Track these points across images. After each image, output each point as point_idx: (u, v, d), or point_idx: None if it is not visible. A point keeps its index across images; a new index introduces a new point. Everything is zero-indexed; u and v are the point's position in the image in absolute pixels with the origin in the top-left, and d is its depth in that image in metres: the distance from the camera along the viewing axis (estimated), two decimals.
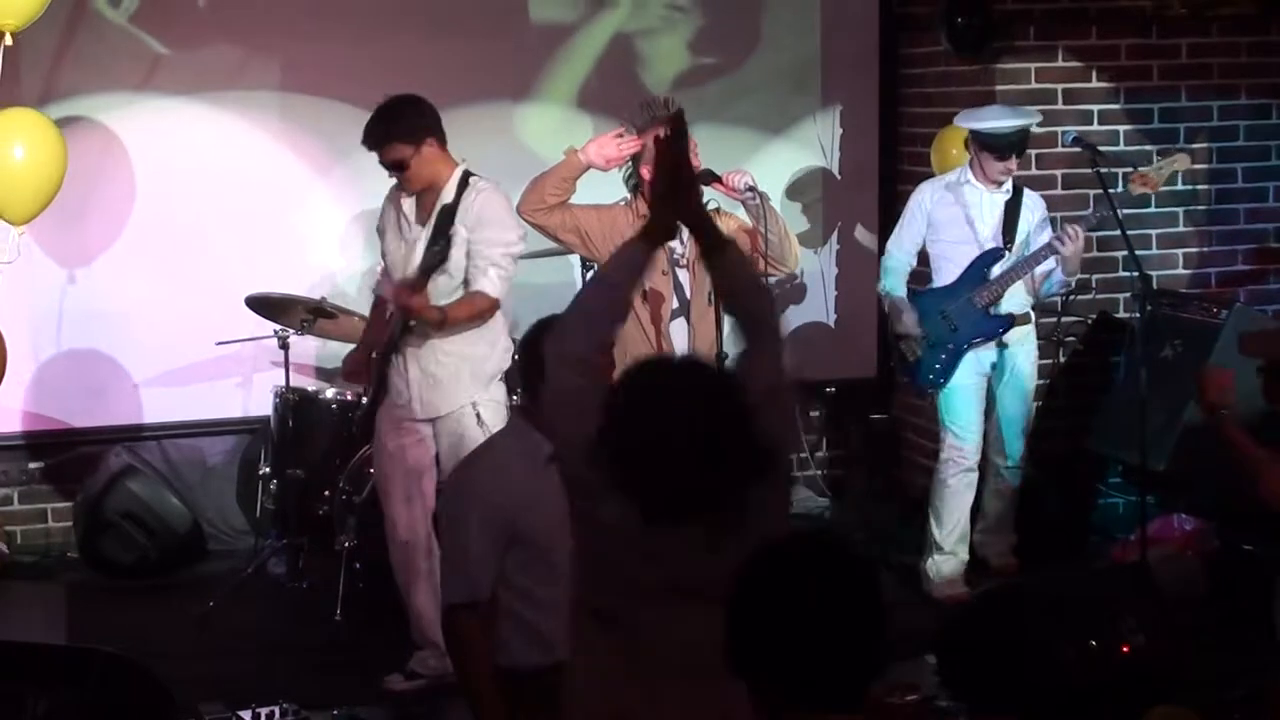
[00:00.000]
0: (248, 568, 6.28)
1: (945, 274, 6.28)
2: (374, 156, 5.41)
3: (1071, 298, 6.89)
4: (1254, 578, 5.56)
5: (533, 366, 3.62)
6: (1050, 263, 6.13)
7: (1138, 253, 5.93)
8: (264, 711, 4.81)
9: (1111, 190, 6.03)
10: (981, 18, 6.96)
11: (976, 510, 6.43)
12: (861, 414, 7.65)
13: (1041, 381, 6.89)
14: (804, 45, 7.55)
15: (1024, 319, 6.27)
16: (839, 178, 7.66)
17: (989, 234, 6.21)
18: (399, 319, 5.35)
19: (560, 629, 3.25)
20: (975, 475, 6.30)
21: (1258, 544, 5.89)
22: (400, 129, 5.24)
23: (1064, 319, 7.00)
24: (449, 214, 5.30)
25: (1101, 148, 6.30)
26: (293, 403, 6.35)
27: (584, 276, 6.52)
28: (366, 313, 6.04)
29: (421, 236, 5.35)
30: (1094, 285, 7.04)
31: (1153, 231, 7.21)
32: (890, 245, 6.45)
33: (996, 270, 6.17)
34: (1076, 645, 4.66)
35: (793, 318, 7.63)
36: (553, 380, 3.10)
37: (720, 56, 7.44)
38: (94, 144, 6.71)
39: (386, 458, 5.49)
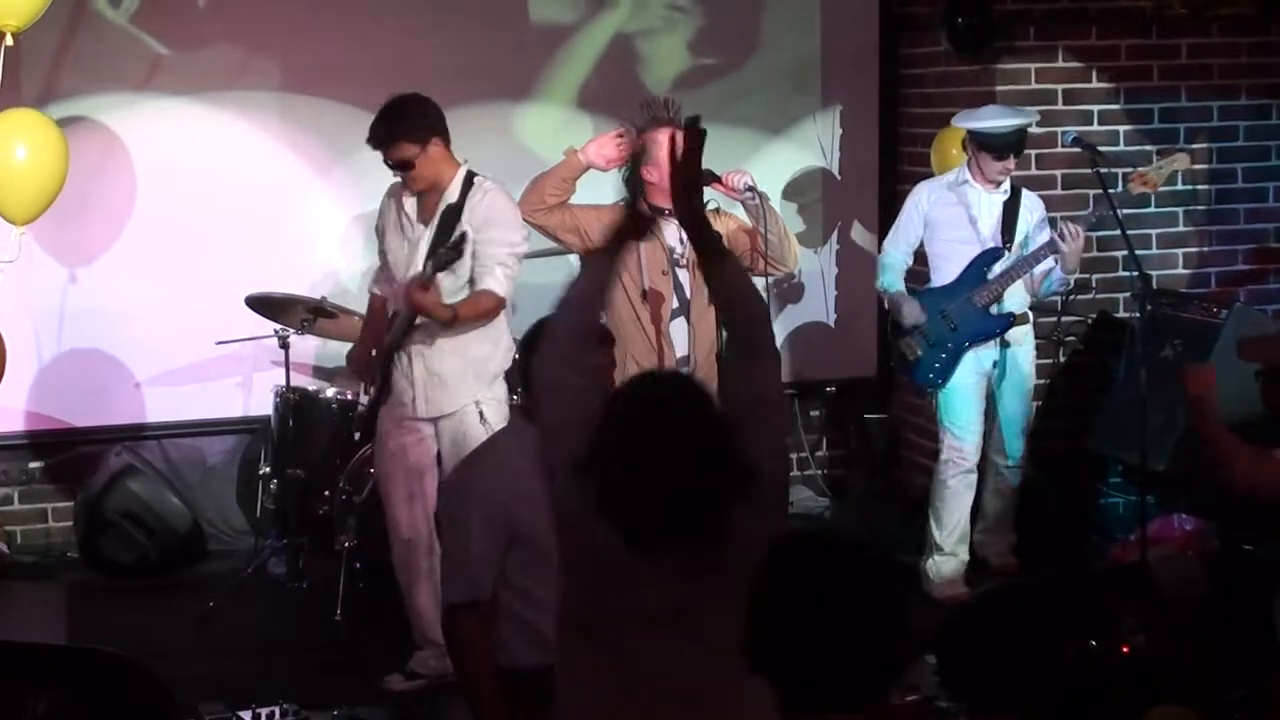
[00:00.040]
0: (248, 568, 6.28)
1: (944, 274, 6.28)
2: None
3: (1071, 298, 6.89)
4: (1254, 578, 5.56)
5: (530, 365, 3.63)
6: (1049, 262, 6.13)
7: (1138, 253, 5.94)
8: (264, 711, 4.81)
9: (1111, 190, 6.03)
10: (982, 18, 6.96)
11: (976, 510, 6.43)
12: (861, 414, 7.65)
13: (1041, 381, 6.90)
14: (804, 45, 7.55)
15: (1022, 319, 6.27)
16: (839, 178, 7.66)
17: (988, 234, 6.21)
18: (405, 317, 5.34)
19: None
20: (975, 476, 6.30)
21: (1258, 544, 5.89)
22: (407, 128, 5.23)
23: (1064, 319, 7.00)
24: (454, 213, 5.30)
25: (1101, 148, 6.30)
26: (293, 402, 6.35)
27: None
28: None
29: (425, 236, 5.35)
30: (1094, 285, 7.04)
31: (1153, 231, 7.21)
32: (887, 244, 6.45)
33: (996, 270, 6.18)
34: (1076, 645, 4.66)
35: (793, 318, 7.64)
36: (548, 380, 3.10)
37: (720, 57, 7.44)
38: (94, 144, 6.71)
39: (388, 457, 5.49)
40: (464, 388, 5.33)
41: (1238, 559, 6.02)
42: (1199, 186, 7.25)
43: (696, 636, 2.89)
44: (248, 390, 7.08)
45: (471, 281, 5.27)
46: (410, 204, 5.40)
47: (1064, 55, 7.07)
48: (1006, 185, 6.24)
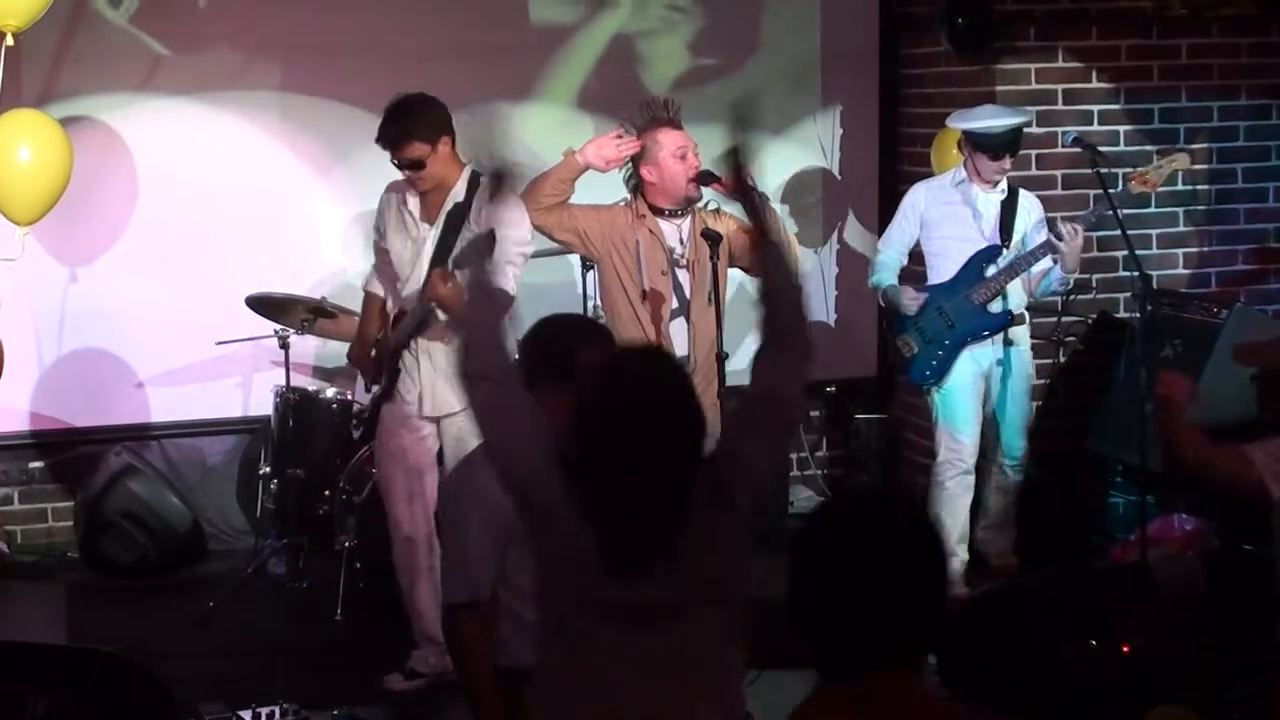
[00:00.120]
0: (248, 568, 6.28)
1: (941, 272, 6.29)
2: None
3: (1071, 298, 6.89)
4: (1254, 578, 5.56)
5: (532, 365, 3.63)
6: (1046, 262, 6.13)
7: (1138, 253, 5.93)
8: (264, 711, 4.81)
9: (1111, 190, 6.03)
10: (982, 18, 6.96)
11: (978, 508, 6.43)
12: (861, 414, 7.65)
13: (1041, 381, 6.90)
14: (804, 45, 7.55)
15: (1019, 318, 6.27)
16: (839, 178, 7.66)
17: (986, 233, 6.21)
18: (416, 315, 5.34)
19: None
20: (972, 477, 6.30)
21: (1258, 544, 5.89)
22: (418, 127, 5.23)
23: (1064, 319, 7.00)
24: (460, 213, 5.31)
25: (1101, 148, 6.30)
26: (293, 402, 6.35)
27: (584, 276, 6.53)
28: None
29: (430, 235, 5.35)
30: (1094, 285, 7.04)
31: (1153, 231, 7.21)
32: (881, 244, 6.46)
33: (993, 268, 6.17)
34: (1076, 645, 4.66)
35: None
36: (489, 400, 3.10)
37: (720, 57, 7.44)
38: (95, 144, 6.71)
39: (388, 456, 5.49)
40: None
41: (1238, 559, 6.02)
42: (1199, 186, 7.25)
43: (673, 626, 2.89)
44: (248, 390, 7.08)
45: None
46: (414, 203, 5.39)
47: (1064, 55, 7.07)
48: (1004, 185, 6.24)
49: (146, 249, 6.90)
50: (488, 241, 5.07)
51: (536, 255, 6.01)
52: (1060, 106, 7.04)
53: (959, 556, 6.29)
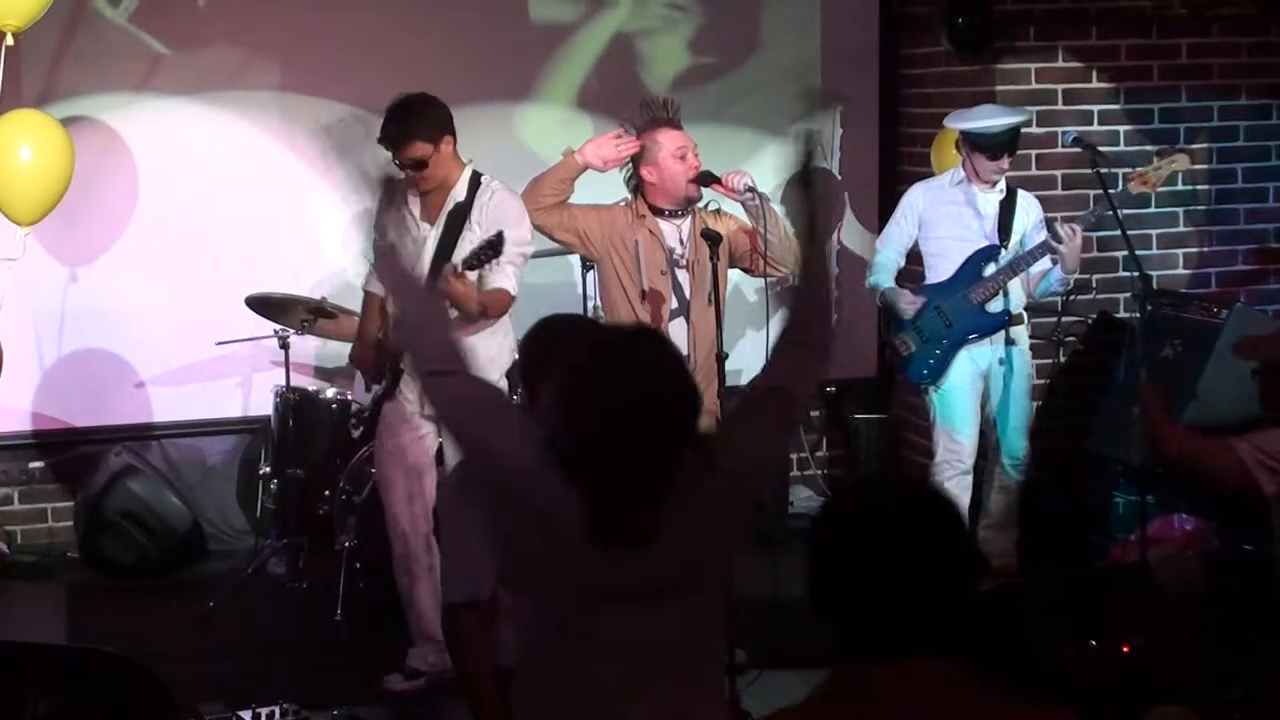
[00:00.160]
0: (248, 568, 6.28)
1: (939, 271, 6.28)
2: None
3: (1071, 298, 6.89)
4: (1254, 578, 5.56)
5: (532, 365, 3.63)
6: (1045, 262, 6.13)
7: (1138, 253, 5.93)
8: (264, 711, 4.81)
9: (1111, 190, 6.03)
10: (982, 18, 6.96)
11: (978, 508, 6.42)
12: (861, 414, 7.65)
13: (1041, 381, 6.90)
14: (804, 45, 7.55)
15: (1018, 318, 6.27)
16: (839, 178, 7.66)
17: (984, 232, 6.21)
18: None
19: None
20: (971, 478, 6.30)
21: (1258, 544, 5.89)
22: (421, 127, 5.24)
23: (1064, 319, 7.00)
24: (461, 213, 5.31)
25: (1101, 148, 6.30)
26: (293, 403, 6.35)
27: (584, 276, 6.53)
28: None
29: (431, 235, 5.36)
30: (1094, 285, 7.04)
31: (1153, 231, 7.21)
32: (879, 244, 6.46)
33: (992, 268, 6.17)
34: (1076, 645, 4.66)
35: None
36: (448, 395, 3.11)
37: (720, 56, 7.44)
38: (95, 144, 6.71)
39: (387, 456, 5.50)
40: None
41: (1238, 559, 6.02)
42: (1199, 186, 7.25)
43: (661, 609, 2.88)
44: (248, 390, 7.08)
45: (480, 279, 5.28)
46: (414, 202, 5.40)
47: (1064, 55, 7.07)
48: (1002, 185, 6.24)
49: (146, 249, 6.90)
50: (494, 247, 5.10)
51: (536, 255, 6.01)
52: (1060, 106, 7.04)
53: None
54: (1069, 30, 7.05)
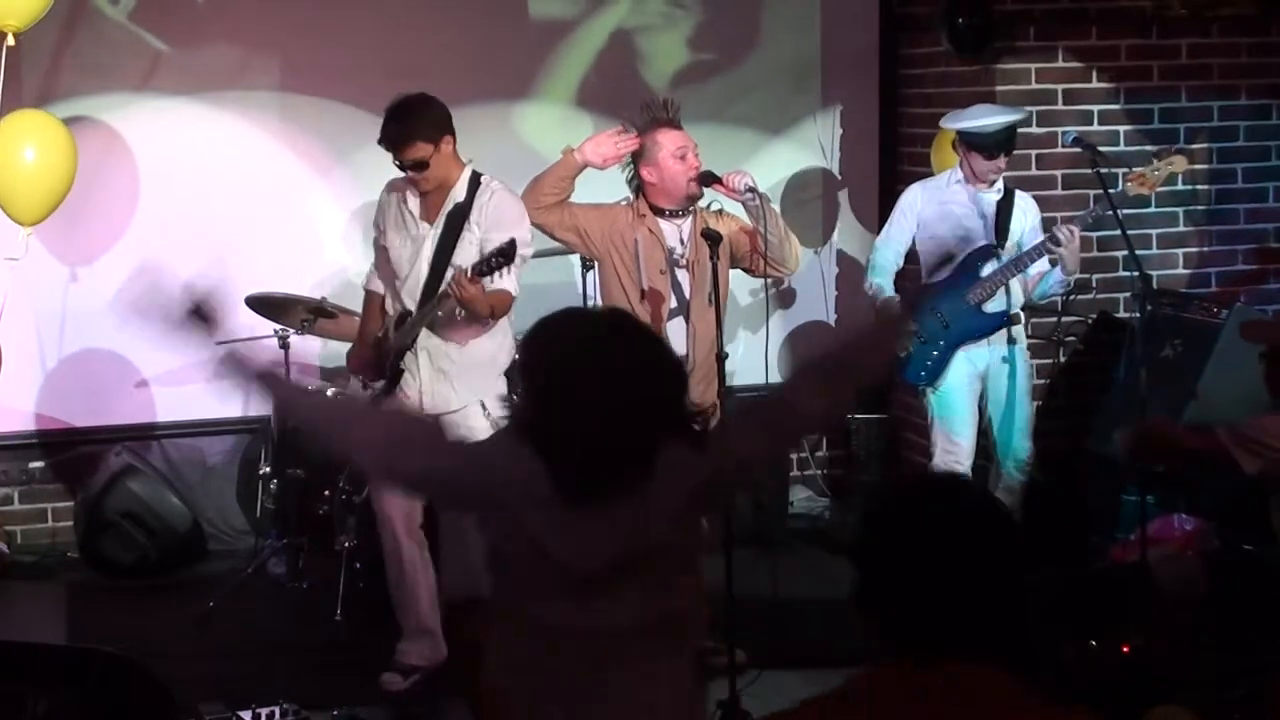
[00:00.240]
0: (248, 568, 6.28)
1: (937, 272, 6.27)
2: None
3: (1071, 298, 6.89)
4: (1254, 578, 5.56)
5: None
6: (1044, 263, 6.12)
7: (1138, 253, 5.93)
8: (264, 711, 4.81)
9: (1111, 190, 6.03)
10: (982, 18, 6.96)
11: None
12: (861, 414, 7.64)
13: (1041, 381, 6.90)
14: (804, 42, 7.55)
15: (1015, 319, 6.26)
16: (839, 178, 7.67)
17: (981, 233, 6.19)
18: (425, 317, 5.35)
19: None
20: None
21: (1258, 544, 5.89)
22: (421, 127, 5.23)
23: (1064, 319, 7.00)
24: (461, 214, 5.32)
25: (1101, 148, 6.29)
26: None
27: (584, 276, 6.53)
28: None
29: (430, 235, 5.36)
30: (1094, 285, 7.04)
31: (1153, 231, 7.21)
32: (878, 243, 6.44)
33: (988, 268, 6.16)
34: (1076, 645, 4.66)
35: (792, 318, 7.64)
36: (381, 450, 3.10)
37: (720, 53, 7.45)
38: (96, 144, 6.71)
39: None
40: (469, 385, 5.35)
41: (1238, 559, 6.02)
42: (1199, 186, 7.25)
43: (620, 600, 2.88)
44: (248, 390, 7.06)
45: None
46: (414, 202, 5.40)
47: (1064, 55, 7.07)
48: (1000, 185, 6.23)
49: (147, 249, 6.89)
50: (505, 254, 5.11)
51: (536, 255, 6.01)
52: (1060, 106, 7.04)
53: None
54: (1069, 30, 7.05)
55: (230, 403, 7.07)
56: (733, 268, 5.54)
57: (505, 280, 5.25)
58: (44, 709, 3.75)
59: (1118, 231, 5.97)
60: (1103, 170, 6.00)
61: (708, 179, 5.44)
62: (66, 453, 7.01)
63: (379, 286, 5.65)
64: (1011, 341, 6.22)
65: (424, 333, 5.40)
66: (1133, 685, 4.65)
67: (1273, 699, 4.45)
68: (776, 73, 7.51)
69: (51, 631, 6.02)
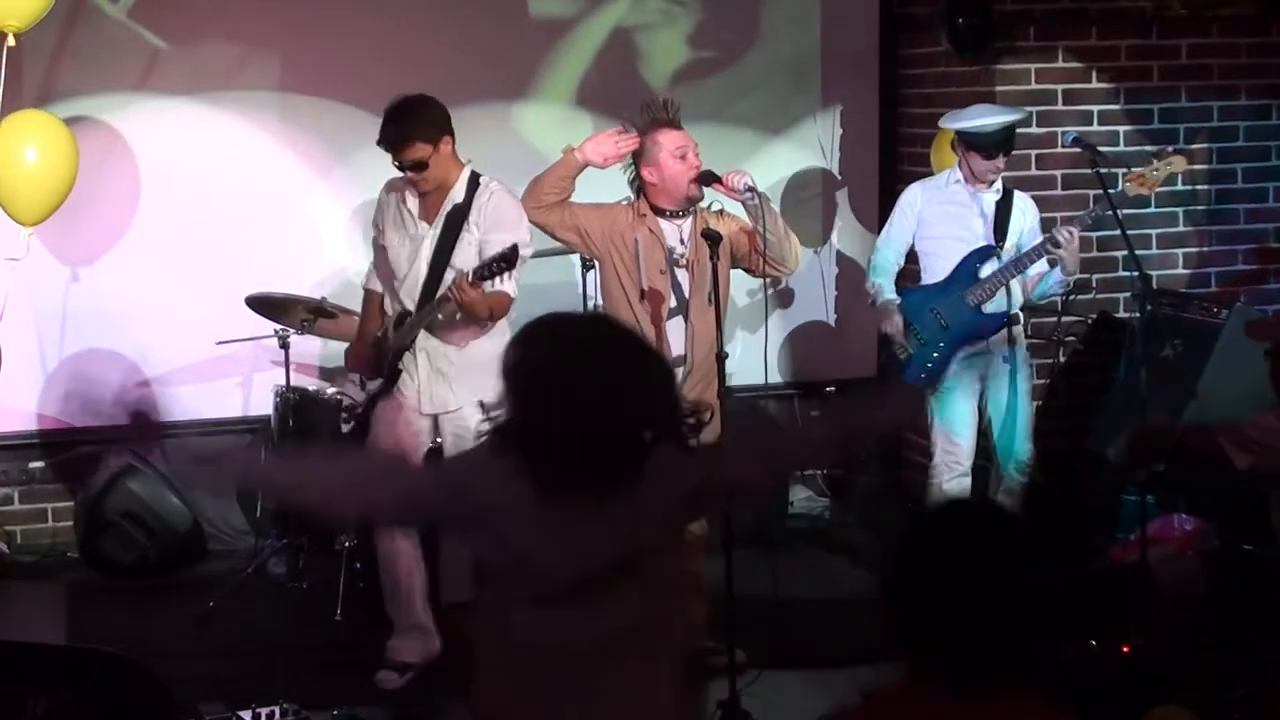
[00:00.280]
0: (248, 568, 6.28)
1: (936, 272, 6.26)
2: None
3: (1071, 298, 6.89)
4: (1254, 578, 5.56)
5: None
6: (1043, 264, 6.12)
7: (1138, 253, 5.93)
8: (264, 711, 4.81)
9: (1111, 190, 6.03)
10: (982, 18, 6.96)
11: None
12: None
13: (1041, 381, 6.90)
14: (803, 40, 7.55)
15: (1015, 319, 6.26)
16: (839, 178, 7.67)
17: (980, 233, 6.19)
18: (424, 318, 5.35)
19: None
20: (969, 480, 6.28)
21: (1258, 544, 5.89)
22: (420, 128, 5.24)
23: (1064, 319, 7.00)
24: (460, 214, 5.32)
25: (1101, 148, 6.29)
26: (293, 402, 6.35)
27: (584, 276, 6.53)
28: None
29: (429, 235, 5.36)
30: (1094, 285, 7.04)
31: (1153, 231, 7.22)
32: (879, 243, 6.43)
33: (987, 269, 6.16)
34: (1076, 645, 4.66)
35: (792, 317, 7.64)
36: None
37: (719, 51, 7.45)
38: (96, 144, 6.70)
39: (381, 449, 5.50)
40: (467, 385, 5.34)
41: (1238, 559, 6.02)
42: (1199, 186, 7.26)
43: (594, 610, 2.88)
44: (248, 390, 7.08)
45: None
46: (413, 201, 5.40)
47: (1064, 55, 7.07)
48: (999, 185, 6.23)
49: (147, 249, 6.90)
50: (508, 260, 5.11)
51: (537, 255, 6.01)
52: (1060, 106, 7.04)
53: None
54: (1069, 30, 7.05)
55: (230, 403, 7.08)
56: (734, 268, 5.54)
57: (505, 283, 5.25)
58: (44, 709, 3.75)
59: (1118, 231, 5.97)
60: (1102, 170, 6.00)
61: (707, 178, 5.44)
62: (66, 453, 7.01)
63: (378, 285, 5.65)
64: (1011, 342, 6.21)
65: (422, 333, 5.41)
66: (1133, 685, 4.65)
67: (1273, 699, 4.45)
68: (776, 71, 7.51)
69: (51, 631, 6.02)
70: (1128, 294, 6.84)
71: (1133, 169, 6.24)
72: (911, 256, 6.44)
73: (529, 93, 7.24)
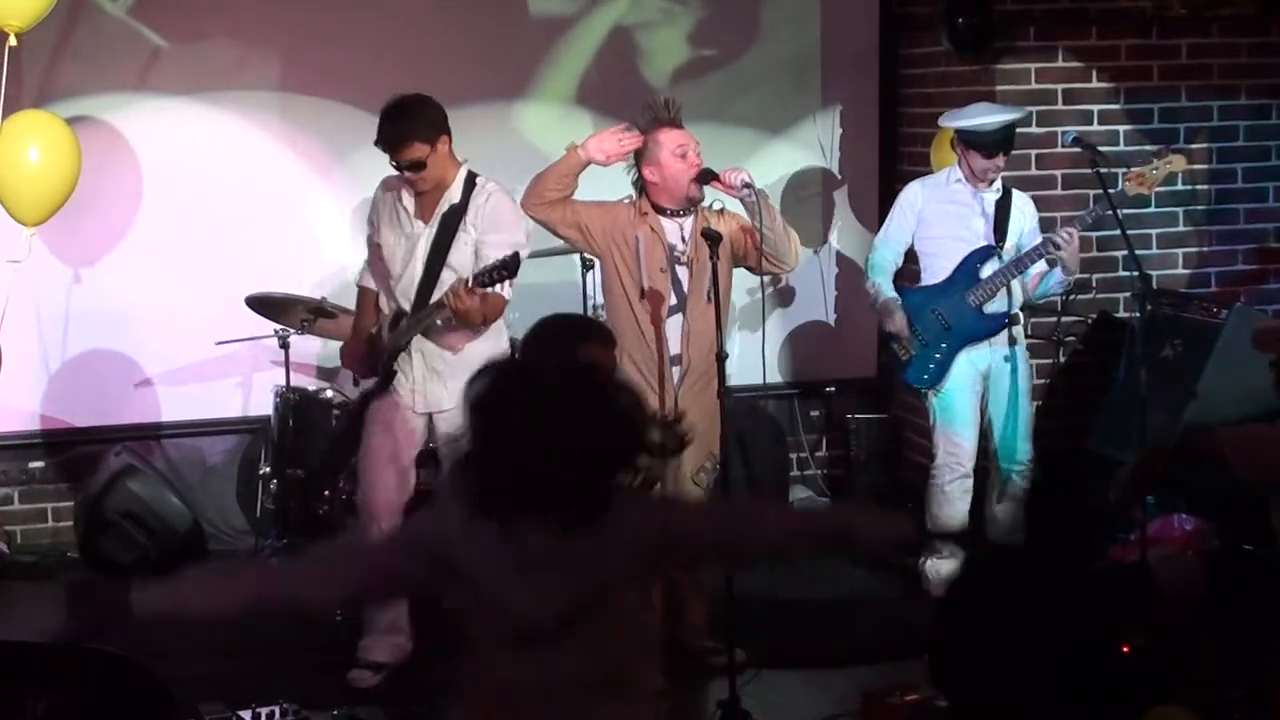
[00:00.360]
0: None
1: (936, 272, 6.27)
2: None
3: (1071, 298, 6.89)
4: (1254, 578, 5.55)
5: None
6: (1043, 263, 6.12)
7: (1138, 253, 5.93)
8: (264, 711, 4.81)
9: (1111, 190, 6.03)
10: (982, 18, 6.96)
11: (982, 513, 6.38)
12: (861, 414, 7.64)
13: (1041, 381, 6.90)
14: (803, 39, 7.55)
15: (1015, 319, 6.26)
16: (839, 178, 7.67)
17: (980, 232, 6.19)
18: (421, 320, 5.35)
19: None
20: (971, 480, 6.27)
21: (1258, 544, 5.89)
22: (418, 128, 5.24)
23: (1064, 319, 7.00)
24: (457, 214, 5.32)
25: (1101, 148, 6.29)
26: (293, 403, 6.35)
27: (584, 276, 6.53)
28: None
29: (425, 234, 5.36)
30: (1094, 285, 7.04)
31: (1153, 231, 7.21)
32: (877, 242, 6.43)
33: (988, 269, 6.16)
34: (1077, 645, 4.65)
35: (792, 318, 7.64)
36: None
37: (719, 49, 7.45)
38: (96, 144, 6.70)
39: (377, 451, 5.49)
40: (461, 385, 5.33)
41: (1238, 559, 6.02)
42: (1199, 186, 7.25)
43: (563, 652, 2.87)
44: (248, 390, 7.08)
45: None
46: (409, 200, 5.40)
47: (1064, 55, 7.07)
48: (999, 185, 6.23)
49: (147, 249, 6.90)
50: (509, 267, 5.11)
51: (537, 255, 6.02)
52: (1060, 106, 7.04)
53: (957, 557, 6.27)
54: (1069, 30, 7.05)
55: (230, 403, 7.08)
56: (736, 266, 5.54)
57: (500, 286, 5.25)
58: (44, 709, 3.74)
59: (1118, 231, 5.97)
60: (1102, 170, 6.00)
61: (706, 176, 5.44)
62: (66, 452, 7.01)
63: (372, 283, 5.65)
64: (1012, 342, 6.21)
65: (427, 333, 5.40)
66: (1133, 685, 4.64)
67: (1273, 699, 4.45)
68: (776, 69, 7.51)
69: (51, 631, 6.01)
70: (1128, 294, 6.85)
71: (1132, 168, 6.25)
72: (910, 256, 6.43)
73: (529, 91, 7.24)
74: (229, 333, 6.69)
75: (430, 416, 5.47)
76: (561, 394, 2.89)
